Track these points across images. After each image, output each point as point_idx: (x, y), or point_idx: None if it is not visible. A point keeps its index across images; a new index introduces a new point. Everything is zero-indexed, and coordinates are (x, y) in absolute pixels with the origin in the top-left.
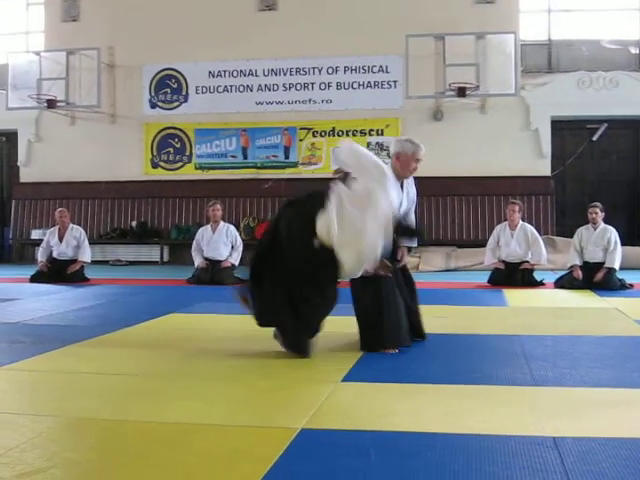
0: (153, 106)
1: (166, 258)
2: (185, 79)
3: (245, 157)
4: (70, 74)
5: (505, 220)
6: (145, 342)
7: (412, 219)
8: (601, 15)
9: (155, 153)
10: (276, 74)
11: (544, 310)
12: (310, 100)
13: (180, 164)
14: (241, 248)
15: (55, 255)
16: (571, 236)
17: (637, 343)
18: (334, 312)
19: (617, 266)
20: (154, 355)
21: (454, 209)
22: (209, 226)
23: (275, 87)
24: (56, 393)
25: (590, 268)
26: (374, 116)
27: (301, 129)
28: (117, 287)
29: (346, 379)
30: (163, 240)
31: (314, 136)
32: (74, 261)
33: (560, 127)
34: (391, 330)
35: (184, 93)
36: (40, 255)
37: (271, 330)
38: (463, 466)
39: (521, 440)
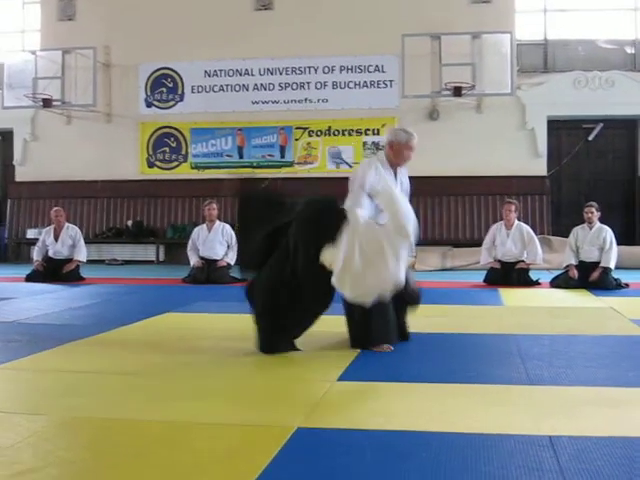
0: (149, 105)
1: (162, 257)
2: (181, 78)
3: (241, 156)
4: (66, 73)
5: (501, 219)
6: (141, 341)
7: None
8: (597, 15)
9: (151, 152)
10: (272, 73)
11: (540, 309)
12: (306, 99)
13: (176, 163)
14: (237, 247)
15: (51, 254)
16: (567, 236)
17: (633, 342)
18: (329, 311)
19: (613, 266)
20: (149, 354)
21: (450, 208)
22: (205, 225)
23: (271, 86)
24: (51, 392)
25: (586, 267)
26: (370, 115)
27: (297, 128)
28: (113, 286)
29: (342, 378)
30: (159, 239)
31: (310, 135)
32: (70, 260)
33: (556, 127)
34: (379, 328)
35: (180, 92)
36: (36, 254)
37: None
38: (459, 465)
39: (517, 439)
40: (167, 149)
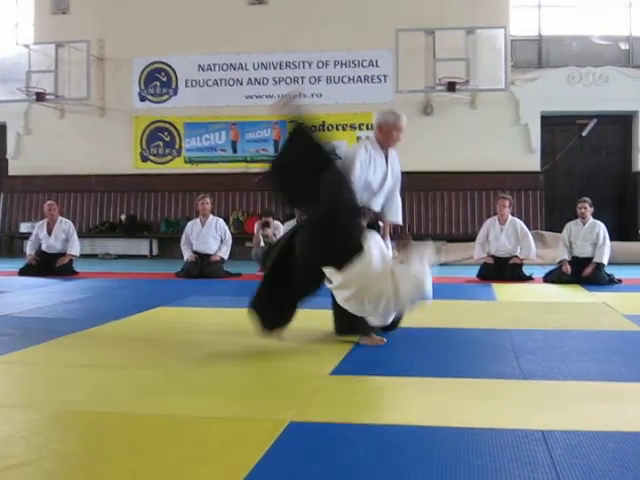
0: (142, 99)
1: (155, 252)
2: (175, 72)
3: (235, 151)
4: (59, 67)
5: (495, 215)
6: (134, 335)
7: (398, 199)
8: (591, 11)
9: (145, 146)
10: (266, 68)
11: (533, 304)
12: (300, 94)
13: (170, 158)
14: (230, 242)
15: (44, 248)
16: (560, 231)
17: (625, 337)
18: (324, 307)
19: (606, 261)
20: (142, 348)
21: (443, 204)
22: (198, 220)
23: (265, 81)
24: (44, 386)
25: (579, 263)
26: (364, 110)
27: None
28: (106, 280)
29: (335, 372)
30: (152, 234)
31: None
32: (63, 254)
33: (550, 122)
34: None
35: (174, 86)
36: (29, 248)
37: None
38: (451, 459)
39: (509, 433)
40: (161, 143)
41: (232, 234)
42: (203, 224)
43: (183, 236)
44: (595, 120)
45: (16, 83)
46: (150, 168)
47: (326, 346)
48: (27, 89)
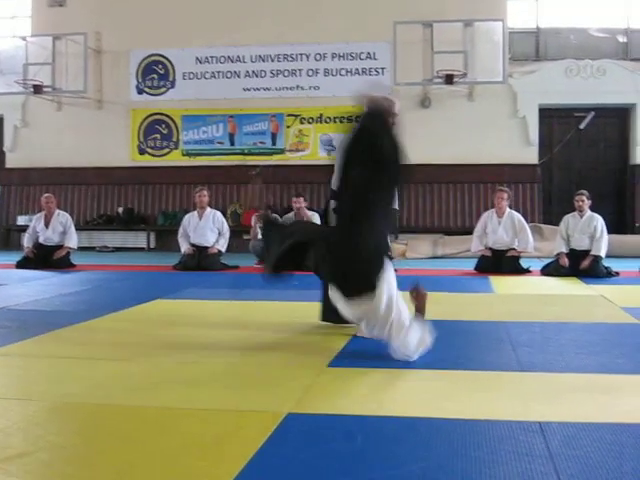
0: (140, 92)
1: (153, 244)
2: (172, 65)
3: (232, 143)
4: (57, 59)
5: (492, 207)
6: (131, 327)
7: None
8: (589, 3)
9: (142, 139)
10: (263, 60)
11: (530, 297)
12: (297, 87)
13: (167, 150)
14: (228, 234)
15: (41, 241)
16: (558, 224)
17: (623, 330)
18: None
19: (603, 254)
20: (140, 340)
21: (441, 196)
22: (196, 212)
23: (262, 73)
24: (41, 377)
25: (576, 256)
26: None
27: (288, 116)
28: (103, 273)
29: (332, 364)
30: (150, 226)
31: (301, 123)
32: (60, 247)
33: (547, 115)
34: None
35: (171, 79)
36: (26, 241)
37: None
38: (449, 450)
39: (507, 425)
40: (158, 136)
41: (230, 227)
42: (200, 217)
43: (180, 229)
44: (593, 113)
45: (13, 75)
46: (147, 161)
47: (323, 338)
48: (24, 82)
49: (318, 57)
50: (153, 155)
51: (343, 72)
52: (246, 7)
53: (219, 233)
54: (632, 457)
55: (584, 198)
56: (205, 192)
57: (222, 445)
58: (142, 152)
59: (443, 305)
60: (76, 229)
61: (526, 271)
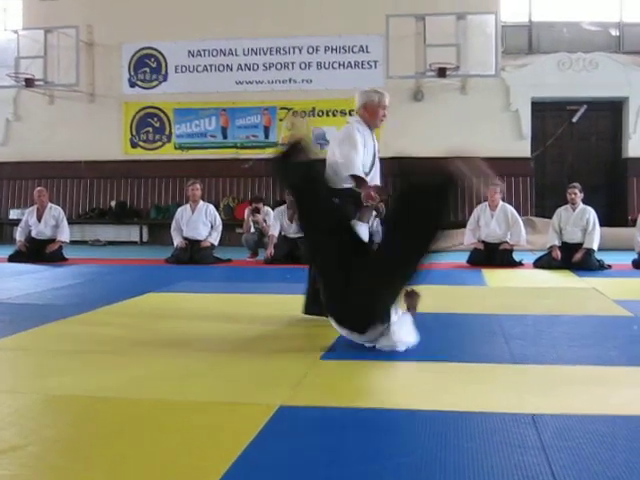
0: (132, 85)
1: (145, 238)
2: (164, 58)
3: (225, 137)
4: (48, 52)
5: (485, 201)
6: (123, 321)
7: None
8: None
9: (134, 133)
10: (256, 53)
11: (523, 290)
12: (290, 80)
13: (159, 144)
14: (220, 228)
15: (34, 235)
16: (550, 217)
17: (615, 322)
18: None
19: (596, 247)
20: (132, 333)
21: None
22: (188, 206)
23: (255, 67)
24: (34, 371)
25: (569, 248)
26: (354, 96)
27: (281, 109)
28: (96, 267)
29: (325, 357)
30: (142, 220)
31: (294, 116)
32: (53, 241)
33: (540, 108)
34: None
35: (163, 72)
36: (18, 235)
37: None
38: (441, 442)
39: (499, 417)
40: (151, 129)
41: (222, 220)
42: (193, 210)
43: (173, 222)
44: (585, 106)
45: (5, 69)
46: (140, 154)
47: (316, 331)
48: (16, 75)
49: (311, 50)
50: (145, 149)
51: (336, 65)
52: (238, 0)
53: (212, 226)
54: (625, 449)
55: (576, 191)
56: (198, 185)
57: (214, 437)
58: (134, 146)
59: (436, 298)
60: (68, 223)
61: (519, 264)
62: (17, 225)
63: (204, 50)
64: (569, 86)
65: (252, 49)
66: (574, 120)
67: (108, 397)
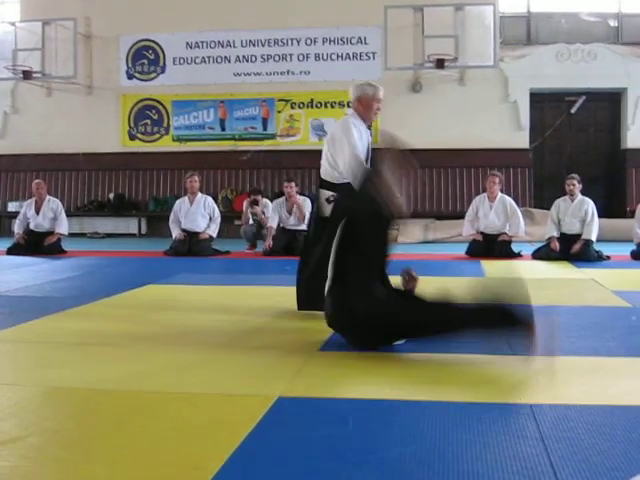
0: (130, 77)
1: (144, 230)
2: (162, 50)
3: (223, 129)
4: (46, 45)
5: (483, 192)
6: (123, 313)
7: None
8: None
9: (132, 125)
10: (254, 45)
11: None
12: (288, 71)
13: (158, 136)
14: (219, 220)
15: (32, 227)
16: (549, 208)
17: (613, 313)
18: None
19: (594, 238)
20: (131, 325)
21: (432, 181)
22: (187, 198)
23: (253, 58)
24: (33, 363)
25: (567, 240)
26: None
27: (279, 100)
28: (94, 259)
29: (323, 348)
30: (141, 212)
31: (292, 108)
32: (51, 233)
33: (539, 99)
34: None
35: (161, 64)
36: (17, 227)
37: (243, 300)
38: (440, 433)
39: (497, 407)
40: (149, 121)
41: (221, 212)
42: (192, 202)
43: (171, 214)
44: (584, 97)
45: (2, 61)
46: (138, 146)
47: (314, 323)
48: (14, 67)
49: (309, 42)
50: (144, 141)
51: (334, 57)
52: None
53: (210, 218)
54: (623, 439)
55: (575, 182)
56: (196, 177)
57: (213, 429)
58: (132, 138)
59: (435, 289)
60: (67, 215)
61: (517, 255)
62: (15, 218)
63: (202, 42)
64: (568, 77)
65: (250, 41)
66: (573, 111)
67: (108, 389)
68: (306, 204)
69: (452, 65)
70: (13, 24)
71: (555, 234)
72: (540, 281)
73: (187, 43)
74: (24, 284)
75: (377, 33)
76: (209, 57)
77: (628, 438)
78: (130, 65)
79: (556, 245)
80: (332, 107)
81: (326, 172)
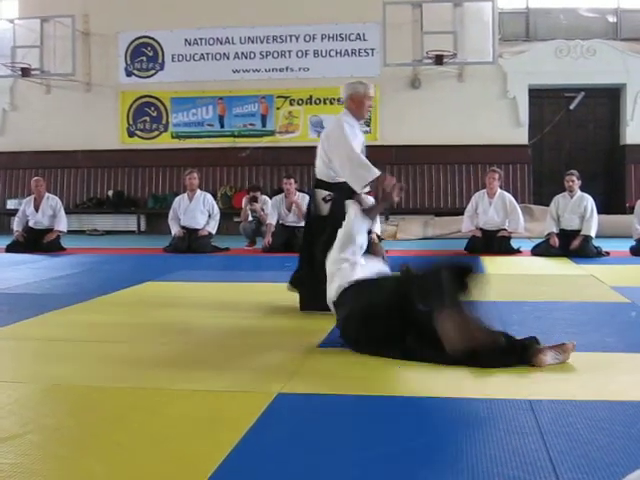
0: (129, 74)
1: (143, 227)
2: (161, 47)
3: (222, 126)
4: (45, 42)
5: (483, 188)
6: (122, 309)
7: None
8: None
9: (131, 122)
10: (253, 42)
11: (521, 277)
12: (287, 68)
13: (156, 133)
14: (218, 217)
15: (31, 224)
16: (548, 204)
17: (612, 309)
18: None
19: (593, 234)
20: (130, 322)
21: (432, 177)
22: (186, 195)
23: (252, 55)
24: (32, 360)
25: (567, 236)
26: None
27: (278, 97)
28: (94, 256)
29: (323, 344)
30: (140, 209)
31: (291, 104)
32: (50, 230)
33: (537, 95)
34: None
35: (160, 61)
36: (16, 225)
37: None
38: (440, 429)
39: (497, 403)
40: (147, 118)
41: (220, 209)
42: (191, 199)
43: (171, 211)
44: (583, 93)
45: (1, 58)
46: (137, 143)
47: (314, 319)
48: (12, 64)
49: (307, 38)
50: (143, 138)
51: (333, 53)
52: None
53: (209, 215)
54: (622, 435)
55: (574, 178)
56: (195, 174)
57: (213, 426)
58: (131, 135)
59: None
60: (66, 212)
61: (516, 251)
62: (14, 215)
63: (201, 39)
64: (566, 73)
65: (249, 37)
66: (572, 107)
67: (107, 386)
68: (305, 201)
69: (451, 61)
70: (11, 21)
71: (554, 230)
72: (539, 277)
73: (186, 40)
74: (23, 281)
75: (376, 29)
76: (208, 54)
77: (627, 433)
78: (129, 62)
79: (555, 241)
80: (331, 103)
81: (321, 171)
